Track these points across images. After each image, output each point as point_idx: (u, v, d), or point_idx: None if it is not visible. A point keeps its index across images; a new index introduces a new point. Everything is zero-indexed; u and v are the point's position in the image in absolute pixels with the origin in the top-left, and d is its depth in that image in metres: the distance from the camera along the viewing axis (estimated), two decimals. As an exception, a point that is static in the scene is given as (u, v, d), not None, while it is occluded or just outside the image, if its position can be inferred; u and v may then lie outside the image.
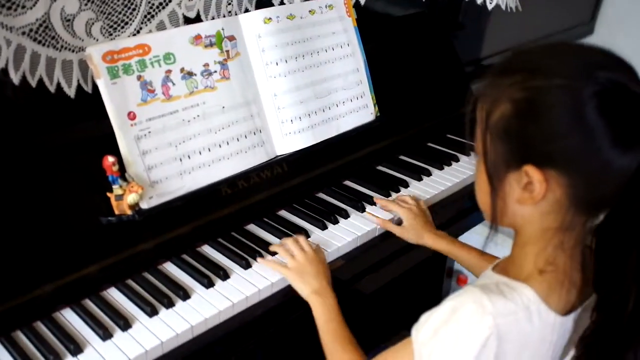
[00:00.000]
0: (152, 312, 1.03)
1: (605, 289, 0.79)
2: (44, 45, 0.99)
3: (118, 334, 0.99)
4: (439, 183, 1.47)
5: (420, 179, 1.48)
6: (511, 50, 0.80)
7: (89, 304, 1.06)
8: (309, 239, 1.23)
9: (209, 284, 1.09)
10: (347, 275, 1.27)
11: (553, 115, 0.72)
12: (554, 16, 2.44)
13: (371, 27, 1.53)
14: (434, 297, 2.11)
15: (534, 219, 0.79)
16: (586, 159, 0.72)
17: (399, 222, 1.31)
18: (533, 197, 0.75)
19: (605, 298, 0.79)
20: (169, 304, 1.05)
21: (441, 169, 1.53)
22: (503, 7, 1.73)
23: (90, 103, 1.08)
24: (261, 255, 1.16)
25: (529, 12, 2.08)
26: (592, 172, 0.73)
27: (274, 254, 1.17)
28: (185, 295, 1.07)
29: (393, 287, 1.63)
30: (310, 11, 1.34)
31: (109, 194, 1.06)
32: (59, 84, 1.04)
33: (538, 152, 0.74)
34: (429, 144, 1.65)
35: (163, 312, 1.04)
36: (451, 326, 0.77)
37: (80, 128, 1.10)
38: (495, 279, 0.83)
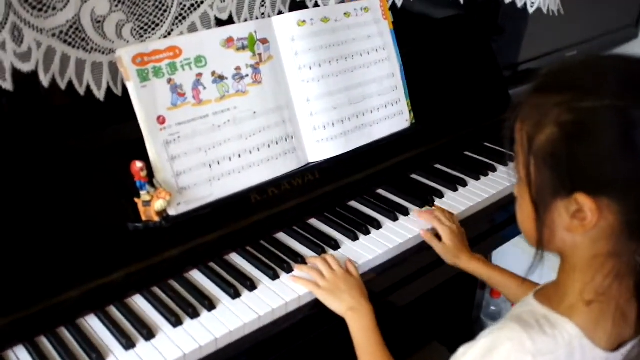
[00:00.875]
0: (176, 322, 1.00)
1: None
2: (74, 47, 0.97)
3: (141, 344, 0.97)
4: (474, 194, 1.42)
5: (455, 189, 1.43)
6: (550, 66, 0.75)
7: (114, 311, 1.04)
8: (339, 249, 1.20)
9: (235, 295, 1.07)
10: (378, 288, 1.23)
11: (605, 139, 0.67)
12: (597, 19, 2.36)
13: (408, 30, 1.49)
14: (466, 308, 2.06)
15: (583, 246, 0.74)
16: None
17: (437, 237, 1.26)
18: (584, 226, 0.71)
19: None
20: (194, 314, 1.02)
21: (477, 179, 1.47)
22: (545, 10, 1.67)
23: (120, 106, 1.06)
24: (289, 266, 1.13)
25: (571, 15, 2.01)
26: None
27: (302, 262, 1.14)
28: (210, 305, 1.04)
29: (425, 298, 1.59)
30: (345, 14, 1.30)
31: (136, 200, 1.04)
32: (88, 87, 1.02)
33: (589, 179, 0.69)
34: (466, 153, 1.60)
35: (187, 323, 1.01)
36: None
37: (110, 131, 1.08)
38: (535, 309, 0.79)
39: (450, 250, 1.22)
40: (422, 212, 1.30)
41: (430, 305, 1.85)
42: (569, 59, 0.76)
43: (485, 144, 1.64)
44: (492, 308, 2.14)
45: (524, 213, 0.78)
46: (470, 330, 2.10)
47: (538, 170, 0.72)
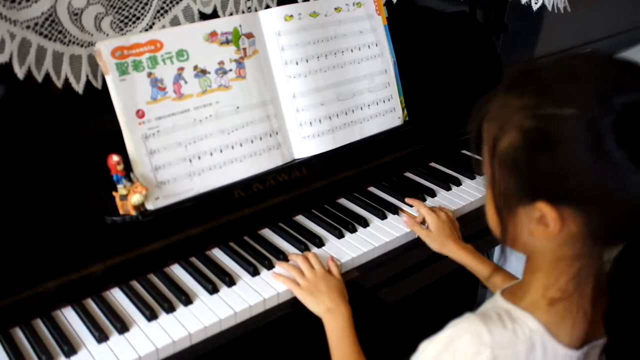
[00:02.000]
0: (151, 316, 1.00)
1: (617, 330, 0.71)
2: (50, 39, 0.97)
3: (114, 337, 0.97)
4: (468, 194, 1.39)
5: (449, 189, 1.40)
6: (523, 64, 0.72)
7: (90, 303, 1.04)
8: (323, 247, 1.19)
9: (213, 290, 1.06)
10: (368, 284, 1.22)
11: (567, 150, 0.64)
12: (611, 17, 2.31)
13: (404, 26, 1.46)
14: (467, 306, 2.02)
15: (547, 249, 0.73)
16: (608, 195, 0.65)
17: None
18: (547, 233, 0.69)
19: (616, 340, 0.71)
20: (170, 309, 1.02)
21: (473, 178, 1.45)
22: (549, 7, 1.63)
23: (99, 99, 1.06)
24: (270, 262, 1.12)
25: (584, 13, 1.97)
26: (614, 207, 0.66)
27: (284, 259, 1.13)
28: (187, 300, 1.04)
29: (425, 297, 1.57)
30: (336, 9, 1.28)
31: (114, 193, 1.04)
32: (67, 79, 1.02)
33: (552, 189, 0.67)
34: (463, 151, 1.57)
35: (163, 317, 1.01)
36: (447, 357, 0.72)
37: (89, 124, 1.08)
38: (499, 304, 0.77)
39: (436, 238, 1.21)
40: (413, 200, 1.30)
41: (430, 303, 1.82)
42: (545, 59, 0.73)
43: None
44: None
45: (490, 212, 0.76)
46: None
47: (501, 174, 0.70)
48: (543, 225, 0.69)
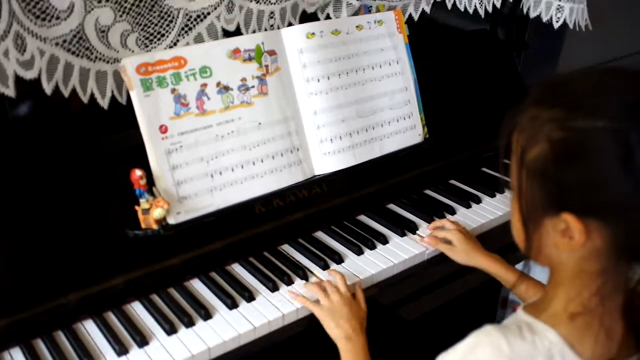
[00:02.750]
0: (171, 330, 1.01)
1: None
2: (77, 55, 0.99)
3: (134, 351, 0.98)
4: (488, 211, 1.39)
5: (469, 206, 1.40)
6: (553, 76, 0.73)
7: (111, 316, 1.05)
8: (342, 263, 1.19)
9: (232, 305, 1.06)
10: (387, 301, 1.21)
11: (596, 163, 0.65)
12: (632, 35, 2.29)
13: (425, 44, 1.47)
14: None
15: (571, 262, 0.73)
16: (634, 209, 0.65)
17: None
18: (571, 245, 0.69)
19: None
20: (189, 323, 1.02)
21: (492, 196, 1.44)
22: (571, 25, 1.63)
23: (124, 114, 1.07)
24: (290, 278, 1.13)
25: (605, 31, 1.96)
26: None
27: (303, 275, 1.13)
28: (206, 314, 1.04)
29: (441, 316, 1.56)
30: (357, 26, 1.29)
31: (136, 207, 1.05)
32: (92, 95, 1.03)
33: (579, 201, 0.67)
34: (483, 169, 1.57)
35: (182, 331, 1.02)
36: None
37: (114, 139, 1.10)
38: (520, 317, 0.77)
39: (461, 252, 1.21)
40: (429, 226, 1.30)
41: (449, 323, 1.81)
42: (573, 71, 0.73)
43: (505, 161, 1.60)
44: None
45: (516, 225, 0.76)
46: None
47: (529, 185, 0.71)
48: (568, 238, 0.69)
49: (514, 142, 0.73)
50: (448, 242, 1.24)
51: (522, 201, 0.72)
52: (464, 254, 1.21)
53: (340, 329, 1.03)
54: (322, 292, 1.08)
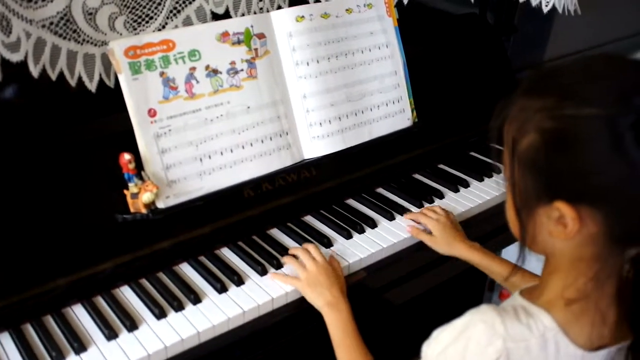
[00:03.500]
0: (160, 314, 1.01)
1: None
2: (64, 38, 0.97)
3: (123, 335, 0.98)
4: (476, 195, 1.40)
5: (457, 190, 1.40)
6: (541, 67, 0.73)
7: (100, 301, 1.05)
8: (331, 247, 1.19)
9: (221, 289, 1.07)
10: (375, 284, 1.22)
11: (586, 149, 0.65)
12: (621, 20, 2.30)
13: (415, 28, 1.47)
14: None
15: (566, 250, 0.73)
16: (627, 194, 0.66)
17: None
18: (566, 233, 0.70)
19: None
20: (179, 307, 1.03)
21: (481, 180, 1.45)
22: (560, 9, 1.63)
23: (112, 98, 1.06)
24: (279, 262, 1.13)
25: (594, 16, 1.96)
26: (633, 206, 0.67)
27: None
28: (196, 299, 1.04)
29: (429, 300, 1.57)
30: (347, 10, 1.28)
31: (125, 192, 1.05)
32: (80, 78, 1.02)
33: (570, 188, 0.68)
34: (472, 153, 1.57)
35: (172, 315, 1.02)
36: (459, 345, 0.74)
37: (102, 123, 1.09)
38: (517, 301, 0.79)
39: (440, 242, 1.21)
40: (410, 214, 1.30)
41: (437, 307, 1.82)
42: (563, 61, 0.73)
43: (493, 144, 1.60)
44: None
45: (510, 214, 0.77)
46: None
47: (521, 175, 0.71)
48: (562, 225, 0.70)
49: (504, 133, 0.74)
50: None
51: (515, 191, 0.73)
52: (445, 245, 1.21)
53: (322, 297, 1.04)
54: (298, 265, 1.09)
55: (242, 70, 1.15)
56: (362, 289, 1.18)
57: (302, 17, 1.21)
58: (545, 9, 1.64)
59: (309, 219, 1.28)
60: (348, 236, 1.22)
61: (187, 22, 1.11)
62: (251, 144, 1.16)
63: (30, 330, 0.98)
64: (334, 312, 1.02)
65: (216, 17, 1.15)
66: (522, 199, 0.72)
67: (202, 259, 1.14)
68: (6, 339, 0.96)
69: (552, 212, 0.69)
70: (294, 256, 1.13)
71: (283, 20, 1.20)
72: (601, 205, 0.67)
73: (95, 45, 1.02)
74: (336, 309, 1.02)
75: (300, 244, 1.19)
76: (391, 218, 1.29)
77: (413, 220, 1.27)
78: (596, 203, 0.67)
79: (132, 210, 1.05)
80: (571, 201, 0.68)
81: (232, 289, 1.08)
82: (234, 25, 1.14)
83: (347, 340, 0.99)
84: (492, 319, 0.73)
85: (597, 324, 0.74)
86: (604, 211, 0.67)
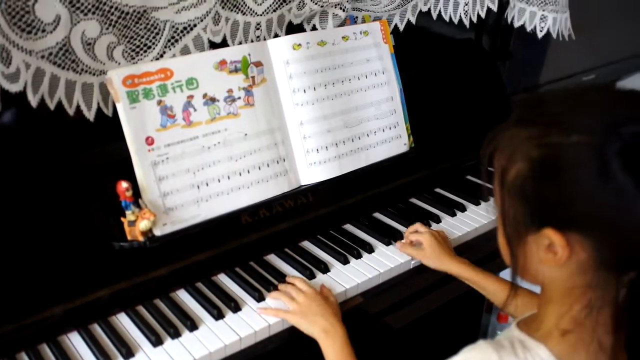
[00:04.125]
0: (157, 341, 1.01)
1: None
2: (63, 68, 0.99)
3: (120, 363, 0.98)
4: (473, 219, 1.40)
5: (454, 214, 1.41)
6: (529, 96, 0.74)
7: (96, 328, 1.05)
8: (328, 272, 1.20)
9: (218, 316, 1.07)
10: (373, 309, 1.22)
11: (573, 176, 0.66)
12: (615, 44, 2.32)
13: (411, 54, 1.48)
14: (472, 333, 2.02)
15: (559, 278, 0.74)
16: (615, 220, 0.66)
17: None
18: (556, 260, 0.70)
19: None
20: (175, 334, 1.03)
21: (477, 204, 1.46)
22: (554, 34, 1.65)
23: (110, 127, 1.07)
24: (276, 288, 1.13)
25: (588, 40, 1.98)
26: (621, 233, 0.67)
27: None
28: (192, 325, 1.04)
29: (428, 323, 1.57)
30: (343, 37, 1.30)
31: (122, 219, 1.05)
32: (78, 107, 1.03)
33: (558, 216, 0.68)
34: (468, 177, 1.58)
35: (168, 342, 1.02)
36: None
37: (100, 151, 1.09)
38: (513, 333, 0.79)
39: (431, 256, 1.22)
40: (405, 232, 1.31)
41: (435, 329, 1.82)
42: (551, 89, 0.75)
43: (490, 169, 1.61)
44: (498, 332, 2.09)
45: (502, 242, 0.78)
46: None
47: (510, 203, 0.72)
48: (552, 253, 0.70)
49: (494, 162, 0.75)
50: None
51: (505, 220, 0.73)
52: (435, 259, 1.22)
53: (316, 325, 1.03)
54: (286, 298, 1.09)
55: (239, 98, 1.16)
56: (360, 314, 1.18)
57: (299, 45, 1.23)
58: (540, 34, 1.66)
59: (306, 244, 1.29)
60: (345, 261, 1.23)
61: (185, 51, 1.13)
62: (248, 171, 1.17)
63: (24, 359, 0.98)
64: (330, 338, 1.01)
65: (214, 45, 1.17)
66: (512, 227, 0.73)
67: (199, 285, 1.15)
68: (1, 367, 0.97)
69: (541, 239, 0.70)
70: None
71: (280, 48, 1.21)
72: (590, 232, 0.68)
73: (94, 74, 1.04)
74: (332, 335, 1.02)
75: (297, 270, 1.20)
76: (388, 243, 1.29)
77: (405, 238, 1.29)
78: (585, 230, 0.68)
79: (129, 237, 1.06)
80: (560, 228, 0.68)
81: (229, 316, 1.08)
82: (232, 53, 1.15)
83: None
84: (488, 355, 0.73)
85: (594, 353, 0.74)
86: (592, 238, 0.68)
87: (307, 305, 1.06)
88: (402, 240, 1.28)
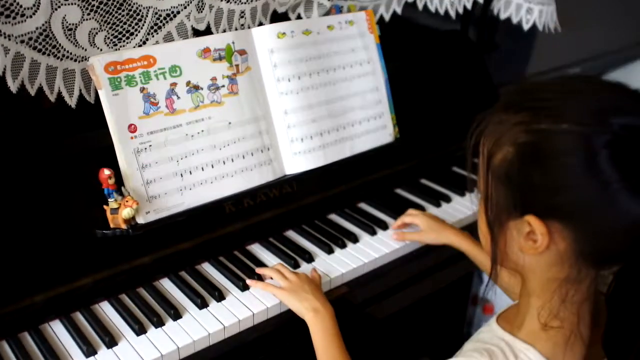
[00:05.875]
0: (140, 330, 1.01)
1: (616, 351, 0.72)
2: (44, 53, 0.97)
3: (102, 351, 0.97)
4: (458, 210, 1.40)
5: (438, 205, 1.41)
6: (519, 84, 0.74)
7: (79, 317, 1.04)
8: (313, 262, 1.19)
9: (202, 305, 1.06)
10: (357, 299, 1.22)
11: (560, 165, 0.66)
12: (601, 38, 2.33)
13: (397, 44, 1.48)
14: (457, 324, 2.03)
15: (537, 268, 0.74)
16: (597, 212, 0.66)
17: None
18: (535, 248, 0.70)
19: None
20: (159, 323, 1.02)
21: (462, 195, 1.46)
22: (540, 27, 1.65)
23: (92, 113, 1.06)
24: (260, 277, 1.13)
25: (574, 33, 1.99)
26: (603, 226, 0.67)
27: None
28: (176, 314, 1.04)
29: (413, 313, 1.57)
30: (328, 27, 1.30)
31: (105, 207, 1.04)
32: (60, 93, 1.02)
33: (541, 203, 0.68)
34: (454, 168, 1.59)
35: (151, 331, 1.01)
36: None
37: (82, 138, 1.08)
38: (498, 334, 0.78)
39: (430, 232, 1.23)
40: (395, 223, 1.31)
41: (420, 320, 1.82)
42: (541, 79, 0.74)
43: (476, 160, 1.62)
44: (483, 324, 2.10)
45: (482, 228, 0.78)
46: (461, 346, 2.06)
47: (494, 188, 0.72)
48: (531, 241, 0.70)
49: (481, 146, 0.74)
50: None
51: (488, 204, 0.73)
52: (434, 234, 1.22)
53: (307, 302, 1.02)
54: (278, 275, 1.09)
55: (223, 86, 1.15)
56: (344, 303, 1.18)
57: (284, 33, 1.22)
58: (526, 27, 1.66)
59: (291, 234, 1.28)
60: (330, 251, 1.22)
61: (168, 38, 1.12)
62: (232, 160, 1.16)
63: (6, 348, 0.97)
64: (320, 318, 1.00)
65: (197, 33, 1.16)
66: (494, 212, 0.73)
67: (183, 274, 1.14)
68: (-20, 356, 0.96)
69: (522, 226, 0.70)
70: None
71: (264, 36, 1.20)
72: (570, 222, 0.68)
73: (75, 60, 1.02)
74: (322, 315, 1.00)
75: (282, 259, 1.19)
76: (373, 233, 1.29)
77: (398, 226, 1.28)
78: (566, 219, 0.68)
79: (111, 225, 1.05)
80: (541, 216, 0.68)
81: (213, 305, 1.07)
82: (215, 41, 1.14)
83: (331, 350, 0.98)
84: None
85: (576, 347, 0.74)
86: (573, 228, 0.68)
87: (299, 283, 1.06)
88: (396, 231, 1.28)
